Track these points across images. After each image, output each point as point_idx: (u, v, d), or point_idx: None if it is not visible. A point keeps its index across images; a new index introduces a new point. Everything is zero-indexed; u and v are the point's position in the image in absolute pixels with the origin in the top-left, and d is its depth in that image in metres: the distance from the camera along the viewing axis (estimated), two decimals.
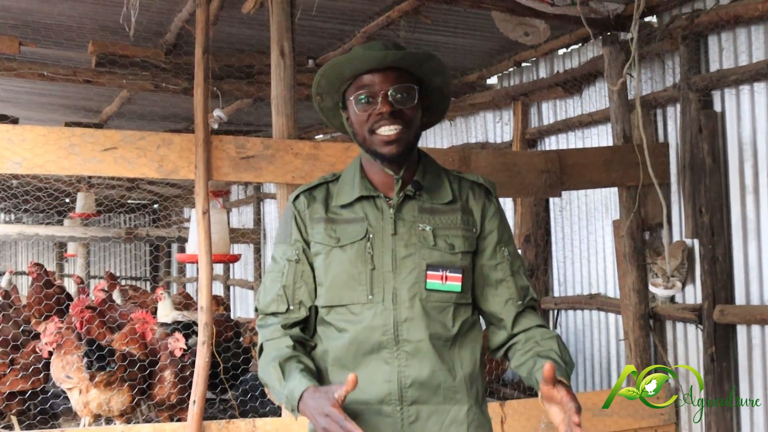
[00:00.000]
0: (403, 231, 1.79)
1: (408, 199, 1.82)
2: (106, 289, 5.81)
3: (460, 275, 1.79)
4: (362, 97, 1.75)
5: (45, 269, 6.20)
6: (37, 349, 4.25)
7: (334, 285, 1.79)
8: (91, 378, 3.80)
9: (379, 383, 1.75)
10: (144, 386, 4.01)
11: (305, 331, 1.84)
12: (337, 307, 1.79)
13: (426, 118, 1.86)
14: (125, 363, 3.95)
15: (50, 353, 4.16)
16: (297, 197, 1.88)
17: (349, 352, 1.77)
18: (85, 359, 3.80)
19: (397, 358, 1.75)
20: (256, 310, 1.89)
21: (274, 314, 1.83)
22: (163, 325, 4.67)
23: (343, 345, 1.78)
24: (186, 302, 7.16)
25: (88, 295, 6.43)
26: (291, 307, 1.82)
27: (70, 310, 4.94)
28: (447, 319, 1.78)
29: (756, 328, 3.83)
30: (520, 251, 5.34)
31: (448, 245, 1.79)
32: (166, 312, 5.29)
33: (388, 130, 1.74)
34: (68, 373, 3.92)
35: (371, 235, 1.79)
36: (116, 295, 6.21)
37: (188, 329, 4.35)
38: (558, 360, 1.72)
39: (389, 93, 1.74)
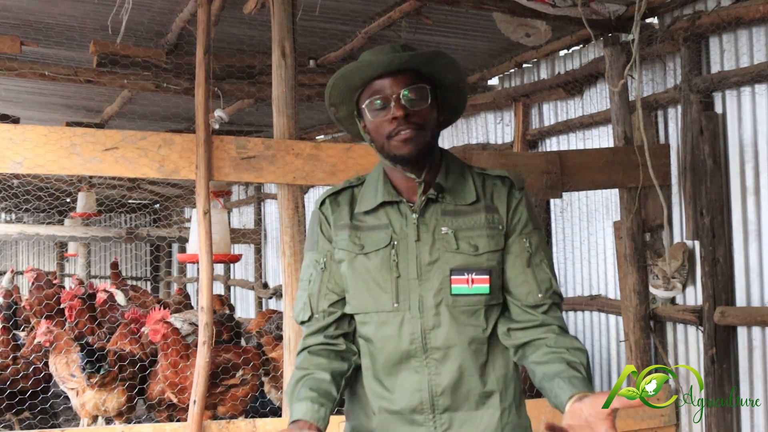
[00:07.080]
0: (427, 237, 1.75)
1: (430, 202, 1.77)
2: (107, 289, 5.81)
3: (488, 277, 1.74)
4: (376, 103, 1.73)
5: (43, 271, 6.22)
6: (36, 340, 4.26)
7: (358, 293, 1.77)
8: (89, 379, 3.81)
9: (410, 392, 1.73)
10: (144, 386, 4.01)
11: (343, 338, 1.80)
12: (361, 315, 1.78)
13: (443, 116, 1.83)
14: (125, 363, 3.95)
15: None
16: (323, 202, 1.85)
17: (378, 361, 1.76)
18: (81, 361, 3.81)
19: (427, 366, 1.73)
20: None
21: (303, 323, 1.82)
22: None
23: (371, 354, 1.77)
24: (185, 302, 7.16)
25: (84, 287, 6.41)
26: (315, 316, 1.79)
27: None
28: (479, 322, 1.74)
29: (756, 330, 3.83)
30: None
31: (471, 247, 1.74)
32: None
33: (404, 133, 1.70)
34: (72, 371, 3.93)
35: (396, 242, 1.75)
36: (120, 297, 6.19)
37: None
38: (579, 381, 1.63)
39: (401, 96, 1.71)
